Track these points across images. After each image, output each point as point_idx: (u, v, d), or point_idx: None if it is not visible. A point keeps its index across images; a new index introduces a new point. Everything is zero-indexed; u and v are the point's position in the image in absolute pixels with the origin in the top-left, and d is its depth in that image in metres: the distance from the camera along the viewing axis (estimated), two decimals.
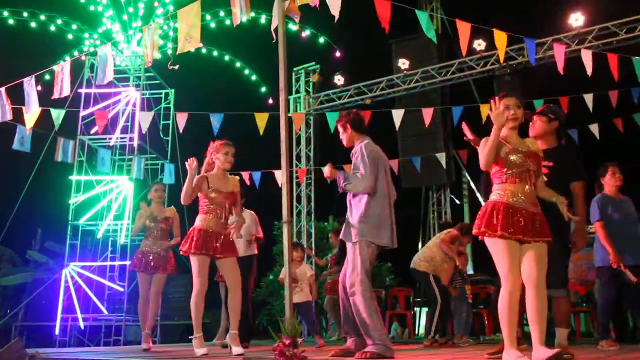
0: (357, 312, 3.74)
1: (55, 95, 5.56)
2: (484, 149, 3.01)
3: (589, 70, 6.18)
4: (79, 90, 8.97)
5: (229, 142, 4.54)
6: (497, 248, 2.97)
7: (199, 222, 4.37)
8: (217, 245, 4.29)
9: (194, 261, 4.27)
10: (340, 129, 4.20)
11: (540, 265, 2.96)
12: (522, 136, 3.23)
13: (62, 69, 5.48)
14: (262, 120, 7.68)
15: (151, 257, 5.55)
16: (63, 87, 5.48)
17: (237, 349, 4.19)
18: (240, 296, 4.35)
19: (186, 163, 4.32)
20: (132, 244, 8.63)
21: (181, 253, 4.42)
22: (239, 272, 4.42)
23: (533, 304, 2.95)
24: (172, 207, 5.89)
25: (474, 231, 3.06)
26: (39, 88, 5.90)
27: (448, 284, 6.21)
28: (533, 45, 6.40)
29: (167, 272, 5.64)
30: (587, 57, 6.27)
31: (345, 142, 4.21)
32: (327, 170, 4.01)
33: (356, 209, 3.92)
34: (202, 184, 4.37)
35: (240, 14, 4.53)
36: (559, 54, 6.25)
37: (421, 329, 9.43)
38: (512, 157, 3.04)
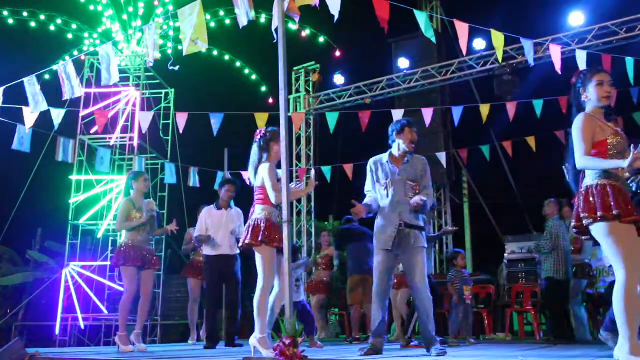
0: (428, 313, 4.08)
1: (66, 96, 5.53)
2: (598, 163, 2.92)
3: None
4: None
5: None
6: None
7: (261, 212, 4.09)
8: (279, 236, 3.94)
9: (264, 254, 3.98)
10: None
11: None
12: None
13: (65, 69, 5.46)
14: (261, 119, 7.68)
15: (144, 252, 5.31)
16: (73, 87, 5.45)
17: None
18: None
19: (313, 179, 4.21)
20: None
21: (243, 246, 4.10)
22: None
23: None
24: (151, 199, 5.73)
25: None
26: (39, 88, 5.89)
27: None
28: (530, 46, 6.42)
29: (157, 267, 5.54)
30: (581, 58, 6.29)
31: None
32: (416, 203, 4.14)
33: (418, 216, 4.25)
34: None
35: (245, 17, 4.52)
36: (555, 54, 6.26)
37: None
38: (614, 139, 2.99)
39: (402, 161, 4.29)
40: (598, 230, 2.91)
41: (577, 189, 3.12)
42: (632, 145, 2.87)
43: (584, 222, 2.95)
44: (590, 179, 2.99)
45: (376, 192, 4.31)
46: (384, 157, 4.36)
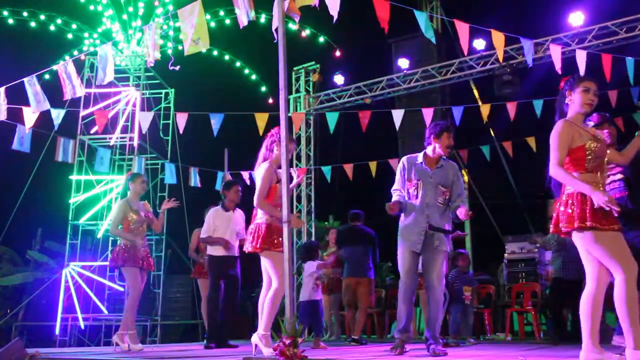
0: (437, 313, 4.19)
1: (68, 96, 5.52)
2: (570, 180, 2.95)
3: (582, 71, 6.21)
4: None
5: (291, 138, 4.32)
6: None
7: (263, 215, 4.05)
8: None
9: (271, 258, 3.96)
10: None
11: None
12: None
13: (66, 69, 5.46)
14: (261, 119, 7.68)
15: (143, 254, 5.31)
16: (74, 87, 5.45)
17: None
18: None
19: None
20: None
21: (249, 251, 4.06)
22: None
23: None
24: (145, 200, 5.69)
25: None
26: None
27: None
28: (530, 46, 6.42)
29: (152, 269, 5.54)
30: (581, 58, 6.29)
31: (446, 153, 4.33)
32: (468, 215, 4.17)
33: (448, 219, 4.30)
34: (274, 176, 4.10)
35: (245, 17, 4.52)
36: (555, 54, 6.27)
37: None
38: (593, 145, 2.99)
39: (436, 164, 4.28)
40: (583, 238, 2.94)
41: (558, 192, 3.15)
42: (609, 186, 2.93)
43: (562, 229, 3.00)
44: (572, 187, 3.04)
45: (404, 191, 4.30)
46: (419, 156, 4.36)
